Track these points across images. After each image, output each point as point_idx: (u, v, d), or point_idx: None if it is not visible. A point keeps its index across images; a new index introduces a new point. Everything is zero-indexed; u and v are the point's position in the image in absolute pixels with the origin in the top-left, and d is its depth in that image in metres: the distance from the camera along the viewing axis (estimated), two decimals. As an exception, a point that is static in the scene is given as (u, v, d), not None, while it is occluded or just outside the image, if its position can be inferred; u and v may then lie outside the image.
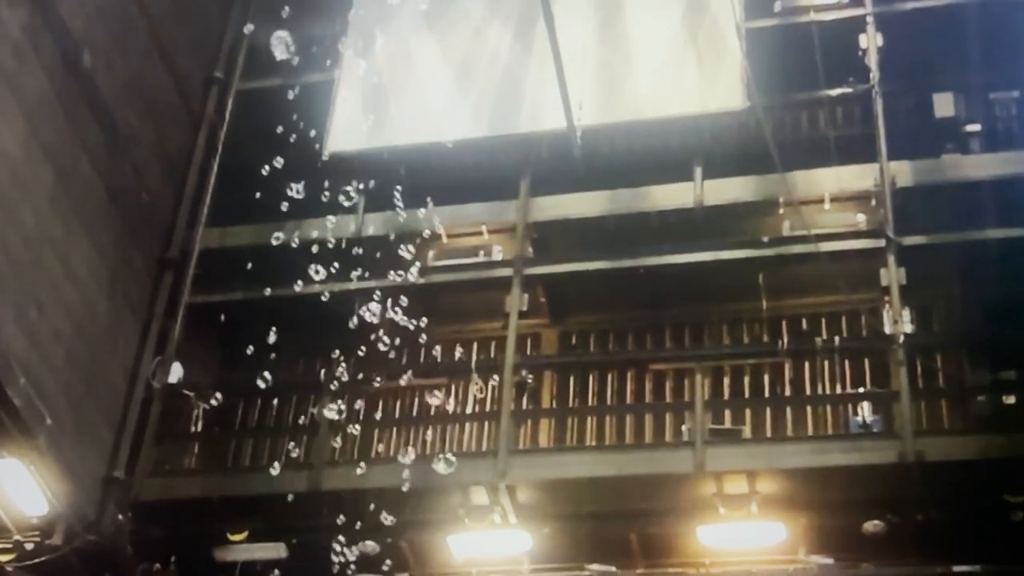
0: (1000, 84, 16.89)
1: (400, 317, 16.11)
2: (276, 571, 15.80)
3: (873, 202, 16.08)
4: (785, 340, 16.51)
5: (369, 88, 18.18)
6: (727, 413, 16.52)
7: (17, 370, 14.51)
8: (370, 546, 15.63)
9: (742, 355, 16.92)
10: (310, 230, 17.35)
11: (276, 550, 15.92)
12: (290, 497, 15.31)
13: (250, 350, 15.97)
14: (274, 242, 16.45)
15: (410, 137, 17.25)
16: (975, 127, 16.75)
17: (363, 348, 16.27)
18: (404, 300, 16.17)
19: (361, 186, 17.02)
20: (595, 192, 17.06)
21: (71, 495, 15.24)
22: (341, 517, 15.24)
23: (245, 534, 15.95)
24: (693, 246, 16.45)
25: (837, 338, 16.18)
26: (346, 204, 16.52)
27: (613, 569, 15.44)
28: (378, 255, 16.28)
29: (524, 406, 16.84)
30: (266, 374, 17.64)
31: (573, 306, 17.77)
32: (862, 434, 15.43)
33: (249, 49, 19.27)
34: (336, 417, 16.03)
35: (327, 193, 15.92)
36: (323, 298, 15.71)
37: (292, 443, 17.19)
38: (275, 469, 15.59)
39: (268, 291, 16.37)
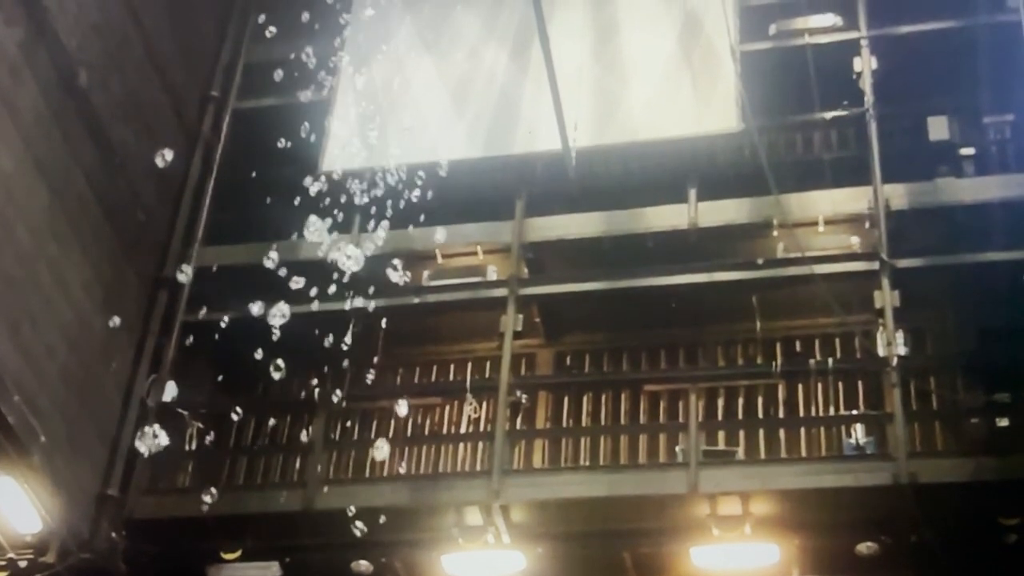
0: (994, 108, 16.95)
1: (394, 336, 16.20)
2: (269, 590, 15.84)
3: (867, 224, 16.11)
4: (779, 361, 16.48)
5: (365, 108, 18.21)
6: (721, 434, 16.55)
7: (11, 387, 14.49)
8: (364, 565, 15.65)
9: (736, 376, 16.95)
10: (305, 249, 17.34)
11: (269, 569, 15.90)
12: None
13: (244, 369, 15.98)
14: (269, 263, 16.41)
15: (406, 157, 17.23)
16: (969, 150, 16.82)
17: (357, 367, 16.30)
18: (399, 320, 16.25)
19: (356, 205, 17.05)
20: (590, 213, 17.08)
21: (65, 512, 15.20)
22: (335, 536, 15.26)
23: (238, 553, 15.92)
24: (687, 267, 16.46)
25: (831, 360, 16.14)
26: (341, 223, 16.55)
27: (606, 589, 15.50)
28: (373, 274, 16.28)
29: (518, 426, 16.85)
30: (260, 393, 17.74)
31: (568, 326, 17.78)
32: (856, 456, 15.43)
33: (245, 68, 19.33)
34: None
35: (322, 212, 15.93)
36: (318, 317, 15.67)
37: (286, 462, 17.30)
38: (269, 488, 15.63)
39: (263, 310, 16.37)
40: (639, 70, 17.70)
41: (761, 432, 16.50)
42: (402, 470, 16.89)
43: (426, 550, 15.56)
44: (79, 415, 15.86)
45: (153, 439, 15.13)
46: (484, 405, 17.05)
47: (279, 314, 14.72)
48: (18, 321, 14.92)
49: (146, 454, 15.72)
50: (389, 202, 16.50)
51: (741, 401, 16.89)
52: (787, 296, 16.61)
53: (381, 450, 15.75)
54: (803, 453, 16.16)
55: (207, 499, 14.52)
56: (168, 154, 16.78)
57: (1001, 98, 16.88)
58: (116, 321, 16.11)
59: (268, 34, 17.92)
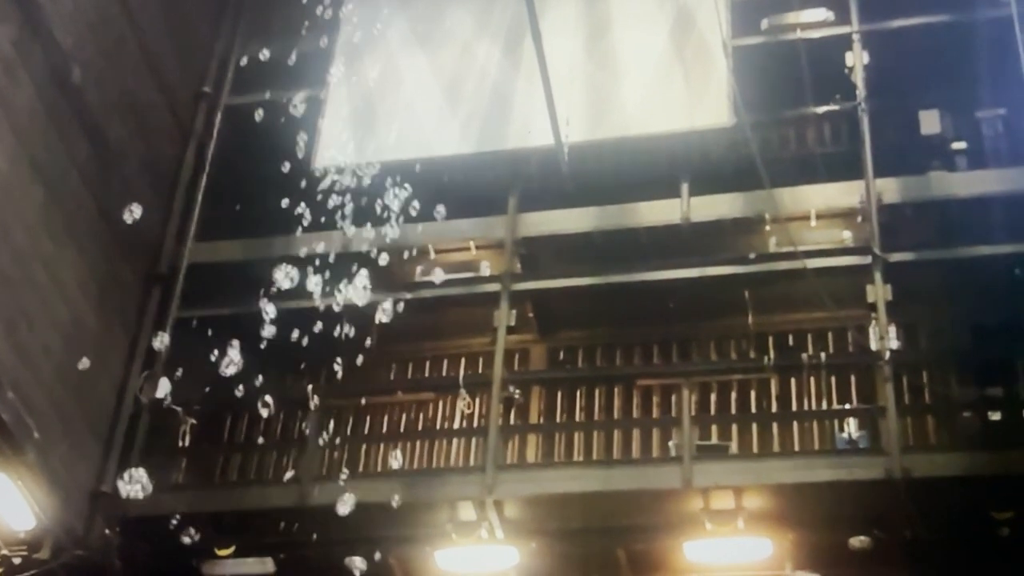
0: (986, 102, 16.94)
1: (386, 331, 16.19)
2: (263, 586, 15.88)
3: (859, 219, 16.11)
4: (772, 356, 16.48)
5: (358, 104, 18.24)
6: (714, 429, 16.56)
7: (6, 384, 14.49)
8: (357, 562, 15.66)
9: (729, 371, 16.87)
10: (298, 245, 17.34)
11: (263, 565, 15.93)
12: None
13: (239, 365, 16.01)
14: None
15: (399, 153, 17.26)
16: (961, 145, 16.81)
17: (351, 363, 16.29)
18: (391, 315, 16.22)
19: (349, 201, 17.05)
20: (583, 208, 17.09)
21: (59, 509, 15.20)
22: (329, 532, 15.28)
23: (232, 549, 15.94)
24: (680, 262, 16.46)
25: (823, 354, 16.17)
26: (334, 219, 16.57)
27: (600, 584, 15.52)
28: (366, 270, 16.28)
29: (512, 421, 16.81)
30: (253, 389, 17.71)
31: (561, 321, 17.80)
32: (849, 450, 15.46)
33: (239, 65, 19.33)
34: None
35: (315, 208, 15.94)
36: (311, 313, 15.66)
37: (280, 458, 17.29)
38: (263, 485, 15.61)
39: (256, 306, 16.37)
40: (631, 65, 17.70)
41: (754, 426, 16.56)
42: (396, 465, 16.91)
43: (420, 546, 15.58)
44: (74, 412, 15.86)
45: (136, 485, 15.03)
46: (477, 400, 17.06)
47: (271, 310, 14.77)
48: (14, 319, 14.93)
49: (126, 496, 15.57)
50: (382, 198, 16.51)
51: (734, 395, 16.90)
52: (780, 291, 16.61)
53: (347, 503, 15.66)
54: (796, 447, 16.19)
55: (188, 539, 14.52)
56: (137, 210, 16.69)
57: (993, 92, 16.85)
58: (86, 363, 16.02)
59: (262, 32, 17.96)
